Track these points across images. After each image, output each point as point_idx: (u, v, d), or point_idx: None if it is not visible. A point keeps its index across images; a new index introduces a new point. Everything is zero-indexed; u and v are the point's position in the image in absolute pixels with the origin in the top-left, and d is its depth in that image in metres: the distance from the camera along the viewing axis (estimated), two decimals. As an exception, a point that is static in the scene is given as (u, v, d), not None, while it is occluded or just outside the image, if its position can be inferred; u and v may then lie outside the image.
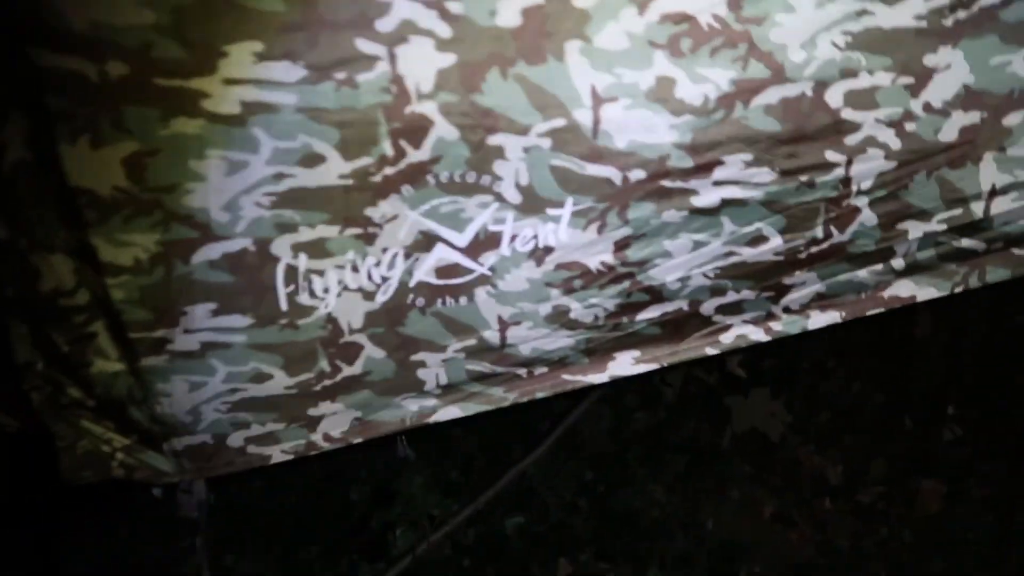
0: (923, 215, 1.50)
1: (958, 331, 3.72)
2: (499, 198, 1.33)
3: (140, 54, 1.09)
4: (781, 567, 3.42)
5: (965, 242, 1.54)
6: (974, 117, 1.39)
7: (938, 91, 1.35)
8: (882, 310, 1.62)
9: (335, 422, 1.53)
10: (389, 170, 1.26)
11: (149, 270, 1.26)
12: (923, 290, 1.60)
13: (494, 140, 1.27)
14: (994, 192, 1.48)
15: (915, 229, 1.51)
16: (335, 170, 1.24)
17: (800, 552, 3.47)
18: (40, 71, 1.08)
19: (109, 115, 1.12)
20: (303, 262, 1.32)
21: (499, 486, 3.55)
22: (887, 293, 1.61)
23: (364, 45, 1.15)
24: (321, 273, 1.34)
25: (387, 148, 1.24)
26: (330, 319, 1.40)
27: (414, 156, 1.25)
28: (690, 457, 3.67)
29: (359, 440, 1.56)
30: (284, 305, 1.35)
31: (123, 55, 1.09)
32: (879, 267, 1.57)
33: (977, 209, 1.50)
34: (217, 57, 1.12)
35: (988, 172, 1.45)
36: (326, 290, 1.36)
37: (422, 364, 1.50)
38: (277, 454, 1.54)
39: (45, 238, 1.21)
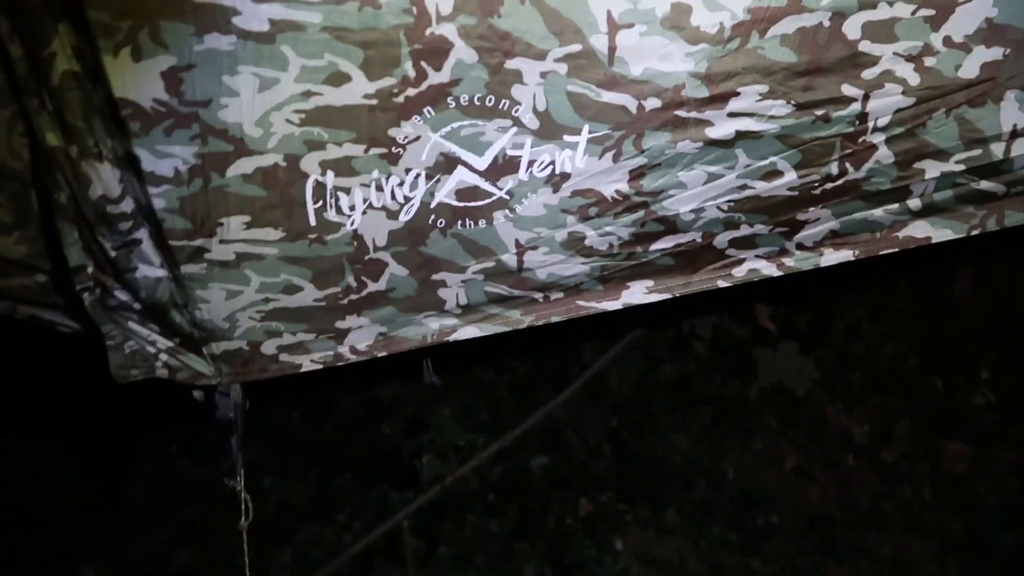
0: (941, 155, 1.50)
1: (999, 295, 3.67)
2: (517, 123, 1.38)
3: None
4: (799, 519, 3.49)
5: (984, 184, 1.54)
6: (996, 53, 1.37)
7: (960, 24, 1.34)
8: (896, 250, 1.64)
9: (361, 336, 1.63)
10: (411, 91, 1.32)
11: (188, 181, 1.36)
12: (939, 231, 1.61)
13: (512, 64, 1.31)
14: (1015, 133, 1.46)
15: (932, 169, 1.52)
16: (360, 90, 1.30)
17: (820, 506, 3.54)
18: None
19: (148, 29, 1.20)
20: (331, 179, 1.40)
21: (526, 425, 3.68)
22: (902, 233, 1.62)
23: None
24: (347, 191, 1.42)
25: (409, 69, 1.29)
26: (356, 236, 1.48)
27: (435, 78, 1.31)
28: (716, 408, 3.74)
29: (383, 354, 1.65)
30: (313, 220, 1.44)
31: None
32: (895, 206, 1.58)
33: (997, 150, 1.49)
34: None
35: (1010, 112, 1.44)
36: (352, 207, 1.44)
37: (443, 284, 1.58)
38: (307, 363, 1.64)
39: (93, 147, 1.30)
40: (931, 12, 1.33)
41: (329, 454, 3.76)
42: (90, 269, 1.45)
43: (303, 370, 1.65)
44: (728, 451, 3.67)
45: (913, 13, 1.32)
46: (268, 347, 1.60)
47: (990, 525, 3.38)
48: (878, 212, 1.59)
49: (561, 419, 3.82)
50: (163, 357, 1.58)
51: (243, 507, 1.71)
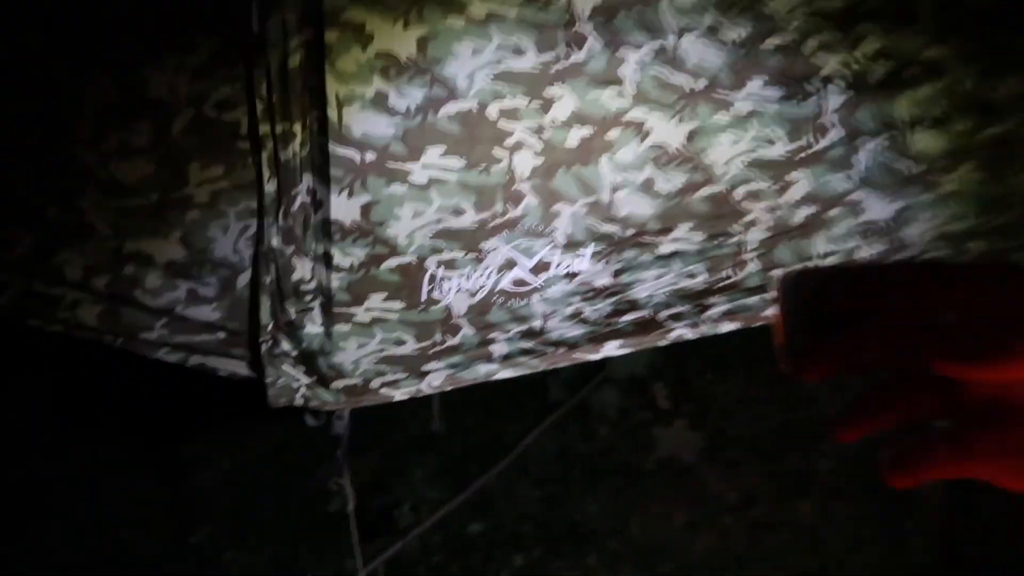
0: (785, 265, 2.55)
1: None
2: (553, 241, 2.30)
3: (384, 149, 2.04)
4: (689, 565, 4.35)
5: None
6: (813, 208, 2.43)
7: (796, 193, 2.15)
8: (765, 323, 2.66)
9: (436, 376, 2.39)
10: (498, 220, 2.20)
11: (357, 271, 2.16)
12: None
13: (556, 207, 2.24)
14: (822, 256, 2.55)
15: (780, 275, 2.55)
16: (470, 218, 2.17)
17: (705, 555, 4.41)
18: (330, 155, 2.00)
19: (360, 180, 2.05)
20: (440, 271, 2.23)
21: (466, 494, 4.40)
22: (765, 313, 2.64)
23: (498, 151, 2.13)
24: (449, 279, 2.26)
25: (500, 208, 2.19)
26: (447, 308, 2.30)
27: (513, 213, 2.20)
28: (621, 478, 4.62)
29: (450, 388, 2.43)
30: (424, 297, 2.25)
31: (374, 149, 2.03)
32: (762, 296, 2.59)
33: (816, 264, 2.57)
34: (420, 154, 2.07)
35: (819, 244, 2.49)
36: (449, 290, 2.27)
37: (493, 341, 2.40)
38: (397, 395, 2.37)
39: (304, 247, 2.09)
40: (782, 185, 2.38)
41: (285, 526, 4.28)
42: (270, 327, 2.19)
43: (395, 400, 2.40)
44: (631, 512, 4.53)
45: (769, 187, 2.37)
46: (375, 383, 2.35)
47: (835, 562, 4.38)
48: (752, 299, 2.54)
49: (493, 490, 4.56)
50: (303, 390, 2.29)
51: (347, 497, 2.39)
